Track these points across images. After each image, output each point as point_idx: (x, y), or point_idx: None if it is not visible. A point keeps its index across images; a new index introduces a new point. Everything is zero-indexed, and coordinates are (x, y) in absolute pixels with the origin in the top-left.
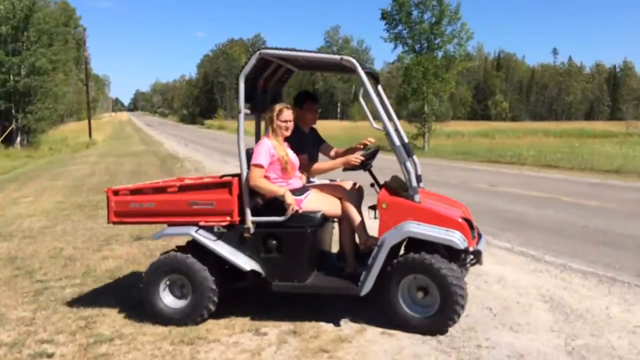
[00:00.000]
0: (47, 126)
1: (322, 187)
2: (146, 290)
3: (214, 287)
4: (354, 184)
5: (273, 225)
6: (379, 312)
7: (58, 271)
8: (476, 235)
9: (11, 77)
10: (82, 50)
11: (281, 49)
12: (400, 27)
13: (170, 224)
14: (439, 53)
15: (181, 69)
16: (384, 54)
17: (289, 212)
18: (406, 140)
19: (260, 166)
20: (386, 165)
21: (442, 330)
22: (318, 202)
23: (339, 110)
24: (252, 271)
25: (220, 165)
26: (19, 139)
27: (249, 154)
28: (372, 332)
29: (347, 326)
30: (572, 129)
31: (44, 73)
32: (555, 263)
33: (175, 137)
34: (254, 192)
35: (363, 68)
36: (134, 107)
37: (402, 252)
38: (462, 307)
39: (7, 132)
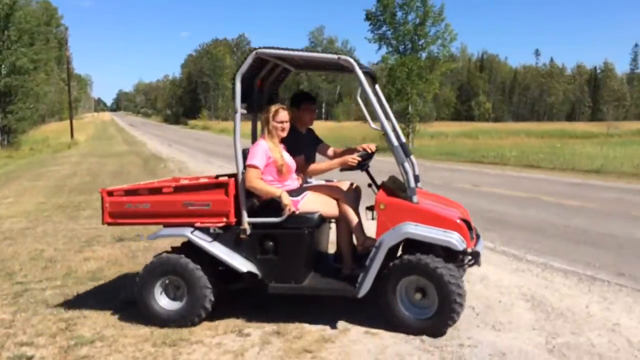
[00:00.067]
0: (28, 126)
1: (319, 188)
2: (141, 291)
3: (209, 288)
4: (351, 185)
5: (270, 227)
6: (362, 312)
7: (38, 273)
8: (474, 236)
9: None
10: (63, 50)
11: (278, 48)
12: (384, 28)
13: (166, 225)
14: (423, 54)
15: (165, 69)
16: (368, 54)
17: (286, 213)
18: (404, 140)
19: (256, 167)
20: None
21: (441, 332)
22: (315, 203)
23: (323, 110)
24: (249, 273)
25: (204, 166)
26: None
27: (245, 154)
28: (356, 331)
29: (331, 326)
30: (553, 129)
31: (25, 72)
32: (537, 262)
33: (159, 138)
34: (250, 193)
35: (360, 67)
36: (116, 107)
37: (399, 253)
38: (461, 308)
39: None
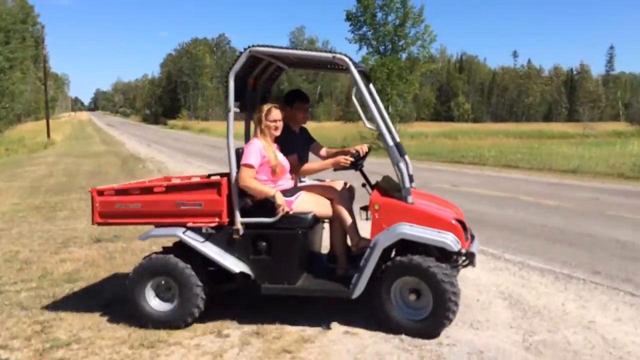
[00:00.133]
0: (3, 126)
1: (313, 188)
2: (132, 292)
3: (201, 289)
4: (345, 184)
5: (263, 227)
6: (342, 312)
7: (13, 275)
8: (469, 237)
9: None
10: (40, 48)
11: (272, 46)
12: (364, 29)
13: (157, 225)
14: (403, 55)
15: (144, 68)
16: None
17: (280, 213)
18: (398, 140)
19: (251, 166)
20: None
21: (435, 333)
22: (309, 203)
23: None
24: (241, 273)
25: (183, 166)
26: None
27: (239, 153)
28: (335, 331)
29: (310, 326)
30: (531, 130)
31: (0, 71)
32: (514, 261)
33: (137, 138)
34: (243, 193)
35: (355, 66)
36: (94, 106)
37: (393, 253)
38: (456, 309)
39: None
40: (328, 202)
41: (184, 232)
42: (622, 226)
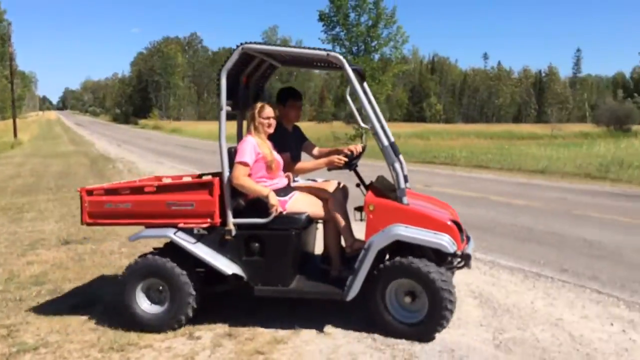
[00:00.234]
0: None
1: (306, 188)
2: (122, 294)
3: (193, 291)
4: (339, 184)
5: (256, 227)
6: (316, 312)
7: None
8: (465, 238)
9: None
10: (6, 46)
11: (265, 43)
12: (337, 29)
13: (148, 226)
14: (375, 55)
15: (114, 67)
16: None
17: (273, 213)
18: (392, 139)
19: (246, 164)
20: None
21: (431, 336)
22: (303, 204)
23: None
24: (234, 275)
25: (154, 166)
26: None
27: (231, 152)
28: (308, 332)
29: (283, 327)
30: (501, 131)
31: None
32: (485, 260)
33: (107, 137)
34: (236, 193)
35: (350, 65)
36: (63, 105)
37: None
38: (451, 312)
39: None
40: (322, 202)
41: (175, 233)
42: (588, 225)
